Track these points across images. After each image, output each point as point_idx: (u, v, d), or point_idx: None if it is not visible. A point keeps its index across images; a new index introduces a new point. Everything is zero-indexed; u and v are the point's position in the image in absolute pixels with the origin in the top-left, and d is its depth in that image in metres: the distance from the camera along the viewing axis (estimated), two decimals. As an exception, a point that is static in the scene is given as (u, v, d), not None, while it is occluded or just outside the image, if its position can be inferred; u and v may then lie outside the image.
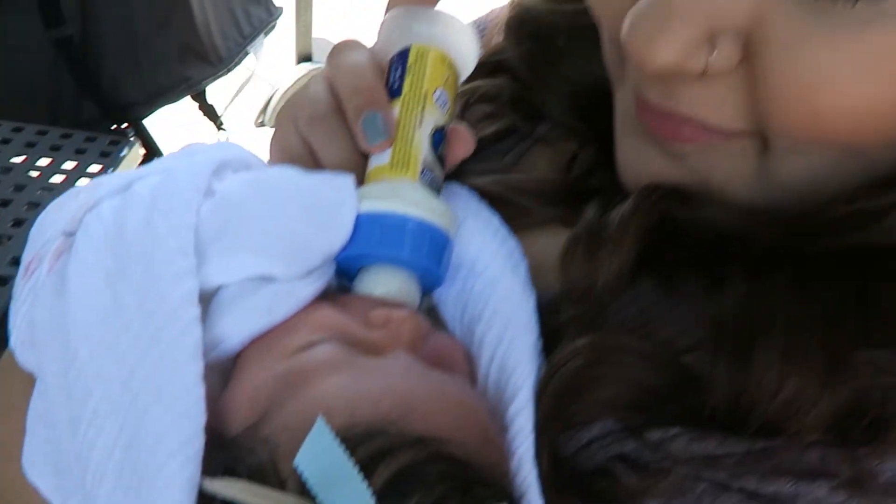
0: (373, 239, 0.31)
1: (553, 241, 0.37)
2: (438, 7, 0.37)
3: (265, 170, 0.35)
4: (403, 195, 0.32)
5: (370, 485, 0.22)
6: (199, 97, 1.19)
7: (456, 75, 0.36)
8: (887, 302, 0.26)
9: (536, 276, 0.35)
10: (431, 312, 0.35)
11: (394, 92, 0.34)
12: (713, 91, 0.28)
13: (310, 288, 0.30)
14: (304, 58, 2.41)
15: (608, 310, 0.32)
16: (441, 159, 0.34)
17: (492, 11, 0.64)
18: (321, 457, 0.22)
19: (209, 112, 1.23)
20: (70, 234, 0.35)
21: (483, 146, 0.43)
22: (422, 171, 0.33)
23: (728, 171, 0.31)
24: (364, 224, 0.31)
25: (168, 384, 0.26)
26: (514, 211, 0.39)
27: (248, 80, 1.40)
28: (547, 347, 0.33)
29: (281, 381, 0.27)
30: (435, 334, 0.31)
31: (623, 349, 0.30)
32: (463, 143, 0.36)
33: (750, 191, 0.31)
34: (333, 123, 0.36)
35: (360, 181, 0.34)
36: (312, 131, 0.36)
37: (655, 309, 0.32)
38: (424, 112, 0.34)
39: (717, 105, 0.28)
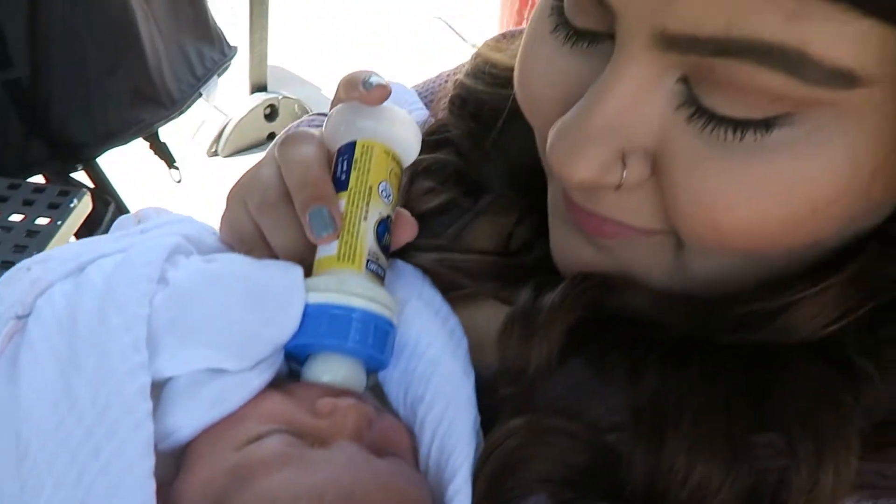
0: (320, 330, 0.33)
1: (493, 316, 0.39)
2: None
3: (217, 259, 0.37)
4: (349, 287, 0.34)
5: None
6: (152, 136, 1.19)
7: (400, 166, 0.38)
8: (778, 392, 0.30)
9: (477, 351, 0.38)
10: (376, 389, 0.37)
11: (340, 184, 0.36)
12: (629, 198, 0.31)
13: (259, 379, 0.31)
14: (259, 87, 2.42)
15: (540, 389, 0.34)
16: (385, 248, 0.36)
17: (440, 76, 0.67)
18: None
19: (161, 150, 1.23)
20: (21, 317, 0.36)
21: (427, 220, 0.46)
22: (367, 262, 0.35)
23: (649, 262, 0.34)
24: (312, 315, 0.33)
25: (120, 480, 0.28)
26: (455, 288, 0.41)
27: (202, 124, 1.40)
28: (486, 423, 0.35)
29: (230, 475, 0.28)
30: (381, 417, 0.33)
31: (553, 429, 0.33)
32: (407, 229, 0.39)
33: (670, 280, 0.34)
34: (283, 210, 0.37)
35: (308, 265, 0.36)
36: (263, 217, 0.38)
37: (584, 389, 0.35)
38: (370, 205, 0.36)
39: (634, 210, 0.31)
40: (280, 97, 2.44)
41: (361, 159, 0.37)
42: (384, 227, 0.36)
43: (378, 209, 0.36)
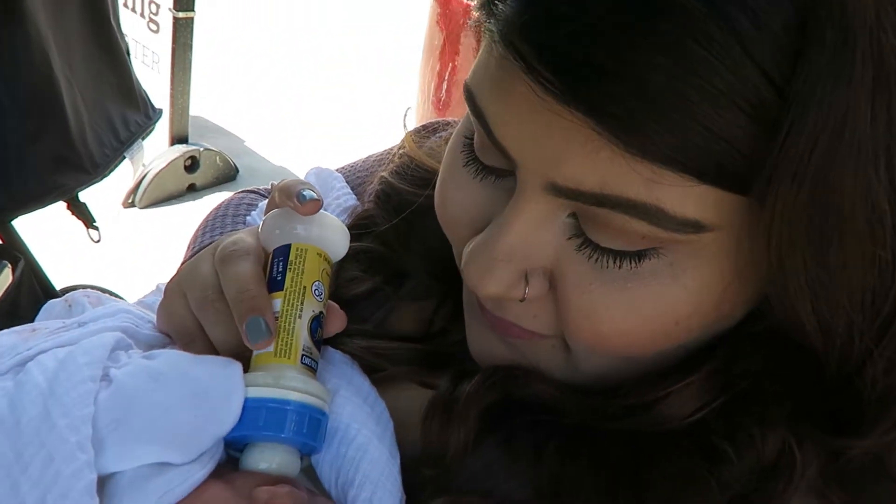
0: (258, 422, 0.36)
1: (415, 398, 0.44)
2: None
3: (157, 355, 0.39)
4: (285, 381, 0.37)
5: None
6: (71, 197, 1.17)
7: (331, 265, 0.43)
8: (653, 472, 0.35)
9: (401, 430, 0.42)
10: (309, 471, 0.40)
11: (277, 284, 0.40)
12: (529, 308, 0.37)
13: (203, 471, 0.34)
14: (180, 139, 2.40)
15: (458, 469, 0.39)
16: (318, 342, 0.40)
17: (367, 159, 0.72)
18: None
19: (80, 211, 1.21)
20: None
21: (354, 305, 0.50)
22: (301, 357, 0.39)
23: (547, 359, 0.39)
24: (251, 408, 0.36)
25: None
26: (380, 370, 0.45)
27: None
28: (409, 500, 0.39)
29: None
30: (314, 502, 0.36)
31: None
32: (337, 321, 0.43)
33: (564, 374, 0.39)
34: (221, 308, 0.41)
35: (244, 357, 0.39)
36: (202, 312, 0.41)
37: (496, 467, 0.39)
38: (304, 304, 0.40)
39: (532, 317, 0.37)
40: (201, 149, 2.43)
41: (296, 261, 0.40)
42: (317, 324, 0.40)
43: (311, 307, 0.40)
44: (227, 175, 2.54)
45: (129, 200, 2.34)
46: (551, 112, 0.31)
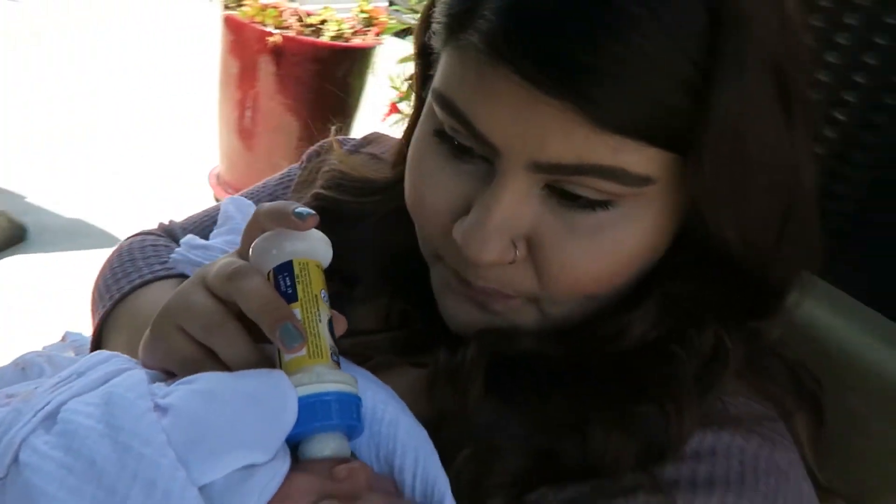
0: (316, 416, 0.40)
1: (408, 378, 0.50)
2: None
3: (195, 379, 0.41)
4: (327, 378, 0.42)
5: None
6: None
7: (324, 275, 0.47)
8: (641, 379, 0.45)
9: None
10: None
11: (289, 297, 0.44)
12: (508, 272, 0.45)
13: (285, 465, 0.38)
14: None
15: (473, 424, 0.46)
16: (336, 342, 0.45)
17: (267, 184, 0.75)
18: None
19: None
20: (-1, 479, 0.37)
21: None
22: (331, 355, 0.43)
23: (522, 316, 0.48)
24: (304, 406, 0.40)
25: None
26: (364, 361, 0.51)
27: None
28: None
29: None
30: (377, 474, 0.41)
31: (496, 447, 0.45)
32: (341, 324, 0.47)
33: (537, 324, 0.48)
34: (232, 329, 0.43)
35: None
36: (212, 338, 0.43)
37: (507, 415, 0.47)
38: (319, 310, 0.44)
39: (509, 281, 0.46)
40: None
41: (302, 275, 0.45)
42: (331, 325, 0.45)
43: (325, 312, 0.45)
44: (16, 236, 2.28)
45: None
46: (537, 103, 0.39)
